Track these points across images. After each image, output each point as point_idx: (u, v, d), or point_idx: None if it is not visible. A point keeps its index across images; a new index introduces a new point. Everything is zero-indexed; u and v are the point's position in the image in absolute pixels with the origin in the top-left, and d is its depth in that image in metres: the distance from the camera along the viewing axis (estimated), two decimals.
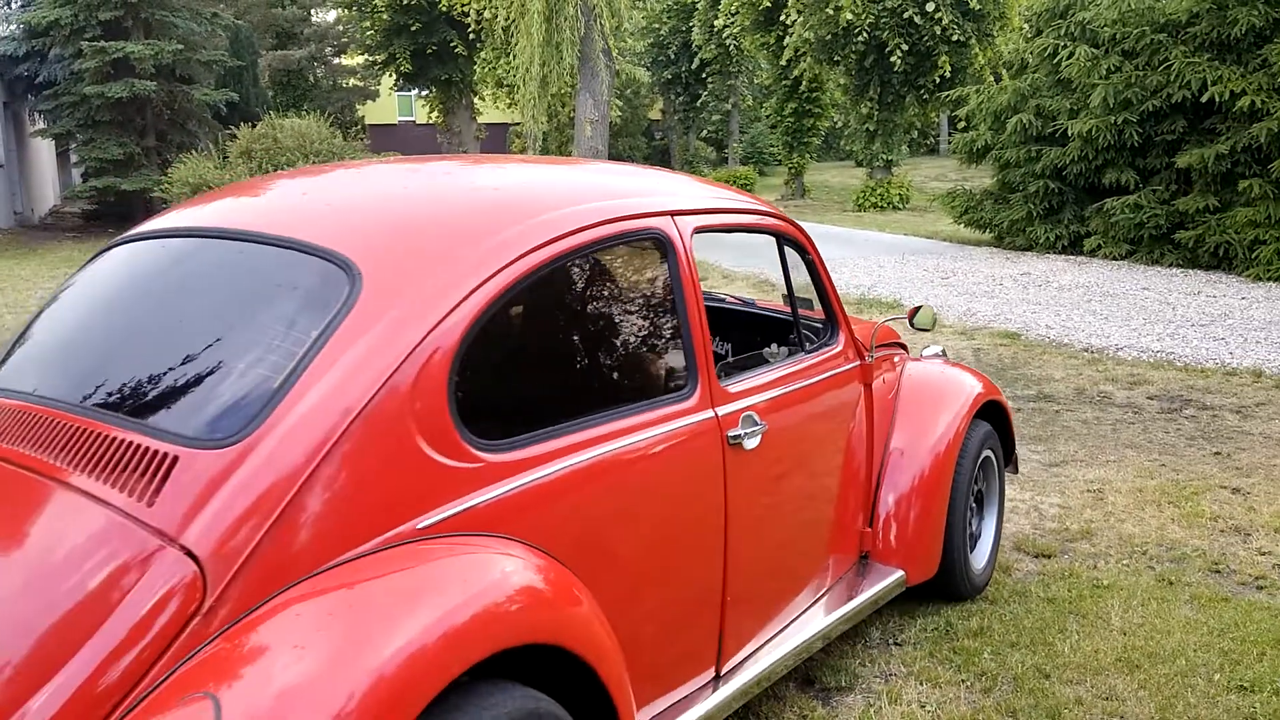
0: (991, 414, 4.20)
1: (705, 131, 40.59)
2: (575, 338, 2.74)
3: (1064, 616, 3.95)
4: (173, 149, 22.37)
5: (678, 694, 2.78)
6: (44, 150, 24.07)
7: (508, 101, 20.68)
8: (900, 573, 3.72)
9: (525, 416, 2.42)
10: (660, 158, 45.97)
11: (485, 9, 18.76)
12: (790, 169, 28.31)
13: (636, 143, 42.55)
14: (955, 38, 19.49)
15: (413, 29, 24.33)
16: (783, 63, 24.23)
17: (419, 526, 2.12)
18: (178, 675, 1.82)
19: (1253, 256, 12.27)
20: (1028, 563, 4.52)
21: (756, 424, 2.94)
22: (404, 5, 23.98)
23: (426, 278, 2.26)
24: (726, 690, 2.88)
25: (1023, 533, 4.84)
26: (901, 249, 15.81)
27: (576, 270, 2.65)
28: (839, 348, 3.56)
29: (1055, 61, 14.76)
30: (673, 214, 2.87)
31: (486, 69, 21.48)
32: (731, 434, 2.85)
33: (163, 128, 22.78)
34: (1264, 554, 4.56)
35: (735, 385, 2.97)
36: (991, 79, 19.59)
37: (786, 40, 21.84)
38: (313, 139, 18.77)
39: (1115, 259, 13.92)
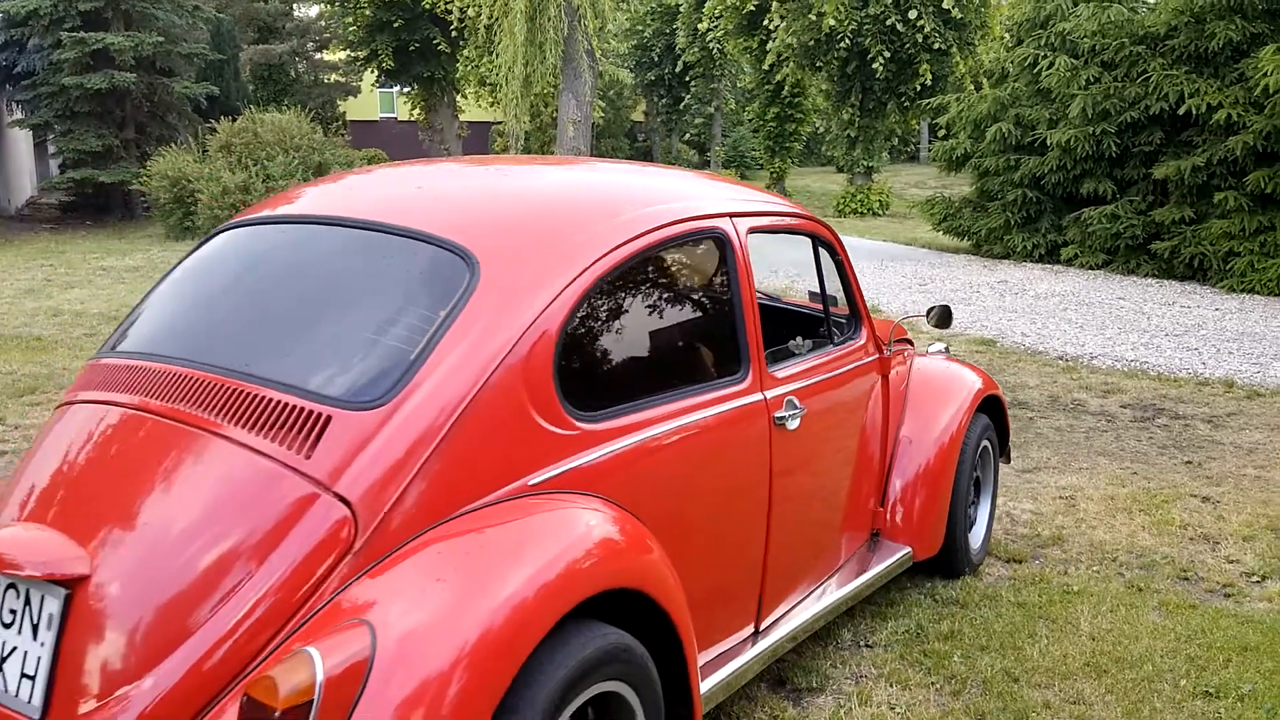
0: (989, 407, 4.51)
1: (688, 134, 40.63)
2: (652, 323, 3.04)
3: (1034, 621, 3.98)
4: (152, 142, 22.23)
5: (723, 645, 3.10)
6: (21, 141, 23.86)
7: (490, 100, 20.65)
8: (908, 549, 4.04)
9: (613, 391, 2.77)
10: (642, 159, 45.99)
11: (468, 7, 18.72)
12: (772, 173, 28.37)
13: (619, 144, 42.53)
14: (937, 46, 19.59)
15: (395, 25, 24.26)
16: (765, 67, 24.29)
17: (530, 483, 2.45)
18: (334, 603, 2.12)
19: (1227, 268, 12.39)
20: (999, 568, 4.55)
21: (797, 408, 3.29)
22: (387, 1, 23.91)
23: (534, 268, 2.58)
24: (762, 645, 3.20)
25: (995, 538, 4.87)
26: (880, 255, 15.88)
27: (654, 264, 2.98)
28: (862, 341, 3.89)
29: (1035, 71, 14.87)
30: (731, 216, 3.19)
31: (469, 67, 21.43)
32: (777, 415, 3.20)
33: (142, 120, 22.62)
34: (1232, 562, 4.61)
35: (780, 372, 3.29)
36: (972, 88, 19.70)
37: (769, 45, 21.89)
38: (293, 134, 18.69)
39: (1092, 268, 14.03)
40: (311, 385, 2.38)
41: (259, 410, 2.34)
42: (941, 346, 4.87)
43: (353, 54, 26.37)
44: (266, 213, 3.05)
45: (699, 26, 28.26)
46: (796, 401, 3.28)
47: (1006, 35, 17.80)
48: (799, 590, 3.52)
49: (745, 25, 24.25)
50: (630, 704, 2.44)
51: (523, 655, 2.11)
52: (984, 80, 18.05)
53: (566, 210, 2.92)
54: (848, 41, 19.72)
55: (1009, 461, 4.93)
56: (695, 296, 3.21)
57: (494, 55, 17.62)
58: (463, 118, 27.62)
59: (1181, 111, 12.89)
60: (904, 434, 4.19)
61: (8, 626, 2.25)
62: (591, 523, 2.43)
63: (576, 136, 17.34)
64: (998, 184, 15.26)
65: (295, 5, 37.22)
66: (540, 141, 20.27)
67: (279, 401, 2.34)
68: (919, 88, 20.27)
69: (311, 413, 2.30)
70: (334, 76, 37.94)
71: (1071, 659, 3.68)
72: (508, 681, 2.09)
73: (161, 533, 2.25)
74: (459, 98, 26.68)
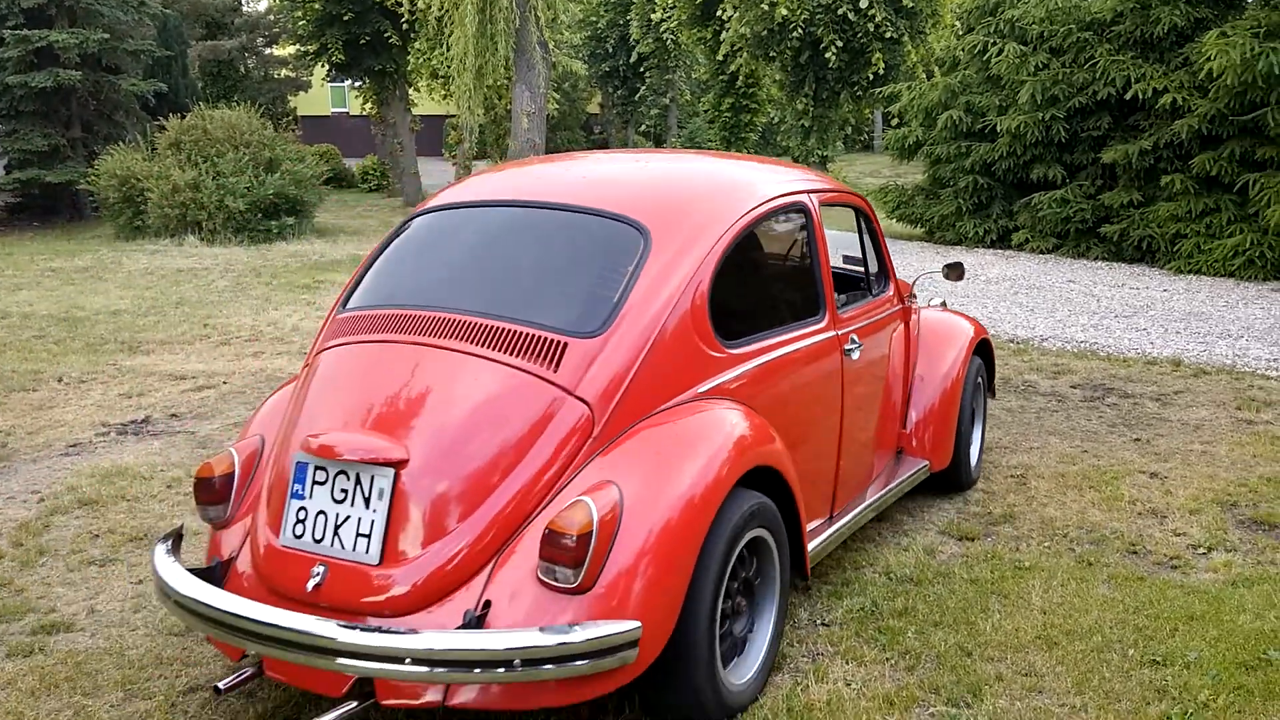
0: (980, 351, 5.44)
1: (644, 125, 40.60)
2: (764, 273, 4.11)
3: (986, 597, 4.04)
4: (99, 140, 21.90)
5: (811, 525, 3.85)
6: None
7: (443, 93, 20.49)
8: (926, 463, 4.93)
9: (744, 325, 3.66)
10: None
11: None
12: None
13: (575, 136, 42.43)
14: (888, 35, 19.69)
15: (345, 19, 24.01)
16: (719, 58, 24.31)
17: (698, 392, 3.38)
18: (584, 473, 3.05)
19: (1174, 250, 12.58)
20: (952, 545, 4.61)
21: (857, 343, 4.25)
22: None
23: (686, 234, 3.50)
24: (835, 528, 4.08)
25: (948, 517, 4.94)
26: (835, 243, 15.88)
27: (764, 229, 3.94)
28: (891, 293, 4.84)
29: (985, 59, 15.00)
30: (808, 192, 4.15)
31: (421, 60, 21.24)
32: (846, 348, 4.17)
33: (89, 118, 22.28)
34: (1179, 535, 4.70)
35: (844, 314, 4.23)
36: (923, 76, 19.83)
37: (723, 35, 21.90)
38: (243, 130, 18.47)
39: (1042, 252, 14.19)
40: (547, 321, 3.24)
41: (512, 340, 3.20)
42: (939, 300, 5.72)
43: (302, 48, 26.05)
44: (459, 199, 3.92)
45: (653, 17, 28.26)
46: (856, 338, 4.25)
47: (957, 23, 17.92)
48: (855, 490, 4.40)
49: (699, 16, 24.28)
50: (770, 547, 3.41)
51: (715, 506, 3.07)
52: (935, 69, 18.18)
53: (702, 189, 3.89)
54: (800, 31, 19.78)
55: (994, 396, 5.84)
56: (789, 253, 4.21)
57: (445, 47, 17.51)
58: (416, 111, 27.41)
59: (1128, 96, 13.07)
60: (918, 372, 5.09)
61: (339, 502, 3.04)
62: (743, 421, 3.37)
63: (531, 129, 17.29)
64: (949, 171, 15.39)
65: (244, 0, 36.82)
66: (495, 134, 20.18)
67: (526, 333, 3.20)
68: (871, 77, 20.37)
69: (552, 340, 3.19)
70: (284, 72, 37.55)
71: (1023, 632, 3.75)
72: (708, 523, 3.04)
73: (455, 428, 3.08)
74: (411, 91, 26.46)
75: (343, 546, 2.99)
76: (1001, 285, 11.69)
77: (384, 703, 2.90)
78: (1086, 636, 3.71)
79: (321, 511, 3.05)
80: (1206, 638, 3.68)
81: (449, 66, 17.56)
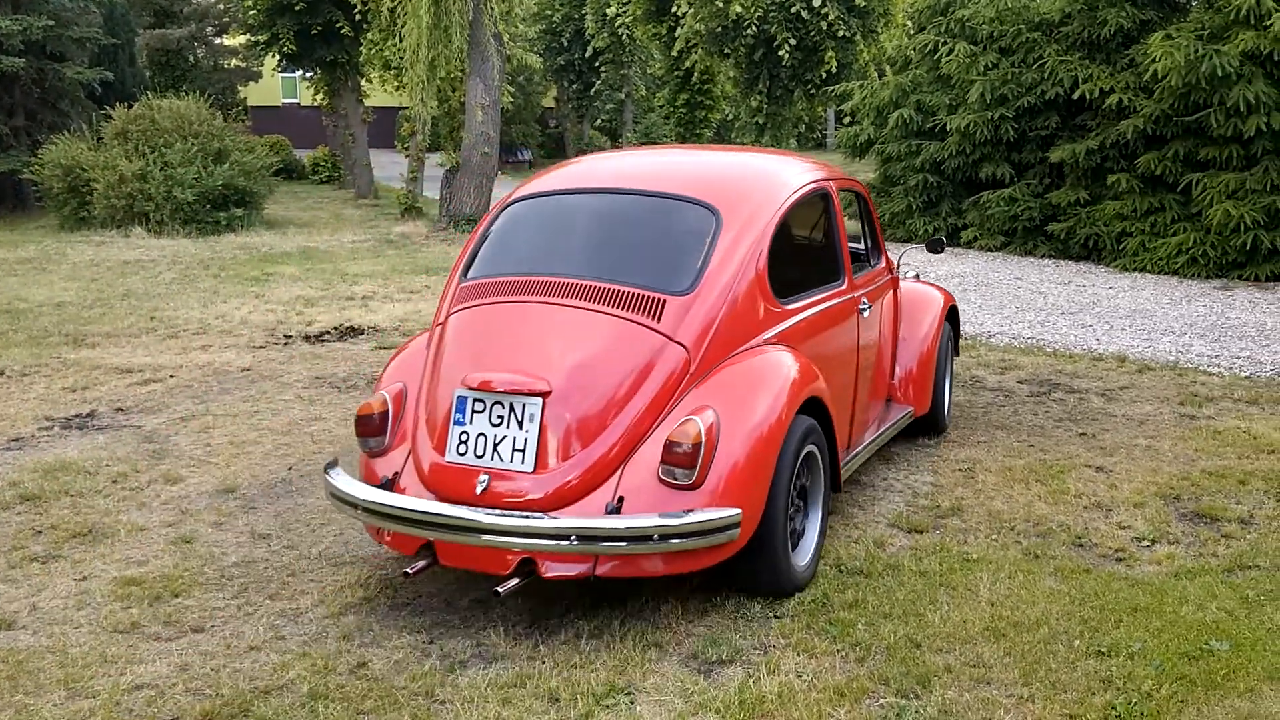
0: (950, 316, 6.45)
1: (599, 120, 40.55)
2: (800, 245, 4.99)
3: (935, 589, 4.09)
4: (43, 129, 21.51)
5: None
6: None
7: (396, 85, 20.32)
8: (910, 409, 5.84)
9: (790, 286, 4.53)
10: (555, 145, 45.75)
11: None
12: None
13: (530, 130, 42.24)
14: (841, 33, 19.84)
15: (296, 8, 23.75)
16: (675, 53, 24.36)
17: (763, 339, 4.27)
18: (684, 402, 3.90)
19: (1120, 248, 12.79)
20: (901, 538, 4.66)
21: (866, 304, 5.24)
22: None
23: (747, 214, 4.39)
24: (851, 455, 4.99)
25: (897, 509, 4.99)
26: None
27: (800, 209, 4.79)
28: (884, 265, 5.79)
29: (936, 58, 15.15)
30: (828, 179, 5.10)
31: (373, 51, 21.04)
32: (860, 307, 5.16)
33: (32, 107, 21.88)
34: (1124, 528, 4.78)
35: (856, 280, 5.18)
36: (875, 75, 19.99)
37: (678, 31, 21.96)
38: (192, 121, 18.23)
39: (991, 250, 14.37)
40: (648, 283, 4.10)
41: (623, 299, 4.05)
42: (914, 272, 6.60)
43: (253, 38, 25.76)
44: (550, 188, 4.78)
45: (608, 12, 28.22)
46: (866, 300, 5.24)
47: (909, 23, 18.10)
48: (862, 428, 5.28)
49: (654, 11, 24.29)
50: (818, 461, 4.30)
51: (786, 425, 3.97)
52: (887, 67, 18.35)
53: (754, 177, 4.85)
54: (755, 29, 19.88)
55: (958, 354, 6.96)
56: (818, 229, 5.13)
57: (398, 39, 17.37)
58: (368, 102, 27.19)
59: (1076, 96, 13.25)
60: (902, 333, 6.00)
61: (496, 426, 3.86)
62: (797, 362, 4.21)
63: (485, 121, 17.21)
64: (900, 169, 15.53)
65: None
66: (449, 126, 20.03)
67: (634, 293, 4.06)
68: (824, 75, 20.52)
69: (654, 298, 4.05)
70: (234, 61, 37.04)
71: (971, 624, 3.79)
72: (782, 438, 3.94)
73: (585, 367, 3.92)
74: (364, 82, 26.25)
75: (501, 459, 3.83)
76: (950, 282, 11.81)
77: (546, 575, 3.69)
78: (1033, 628, 3.76)
79: (481, 434, 3.88)
80: (1150, 629, 3.74)
81: (402, 58, 17.41)
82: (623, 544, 3.64)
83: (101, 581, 4.29)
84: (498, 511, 3.70)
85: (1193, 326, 9.32)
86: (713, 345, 4.02)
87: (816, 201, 4.97)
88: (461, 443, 3.89)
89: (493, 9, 16.81)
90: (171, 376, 7.77)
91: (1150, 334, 9.03)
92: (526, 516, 3.66)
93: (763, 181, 4.75)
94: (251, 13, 24.54)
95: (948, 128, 14.64)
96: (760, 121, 22.20)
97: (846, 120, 18.23)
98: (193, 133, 18.02)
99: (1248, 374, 7.65)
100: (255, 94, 42.15)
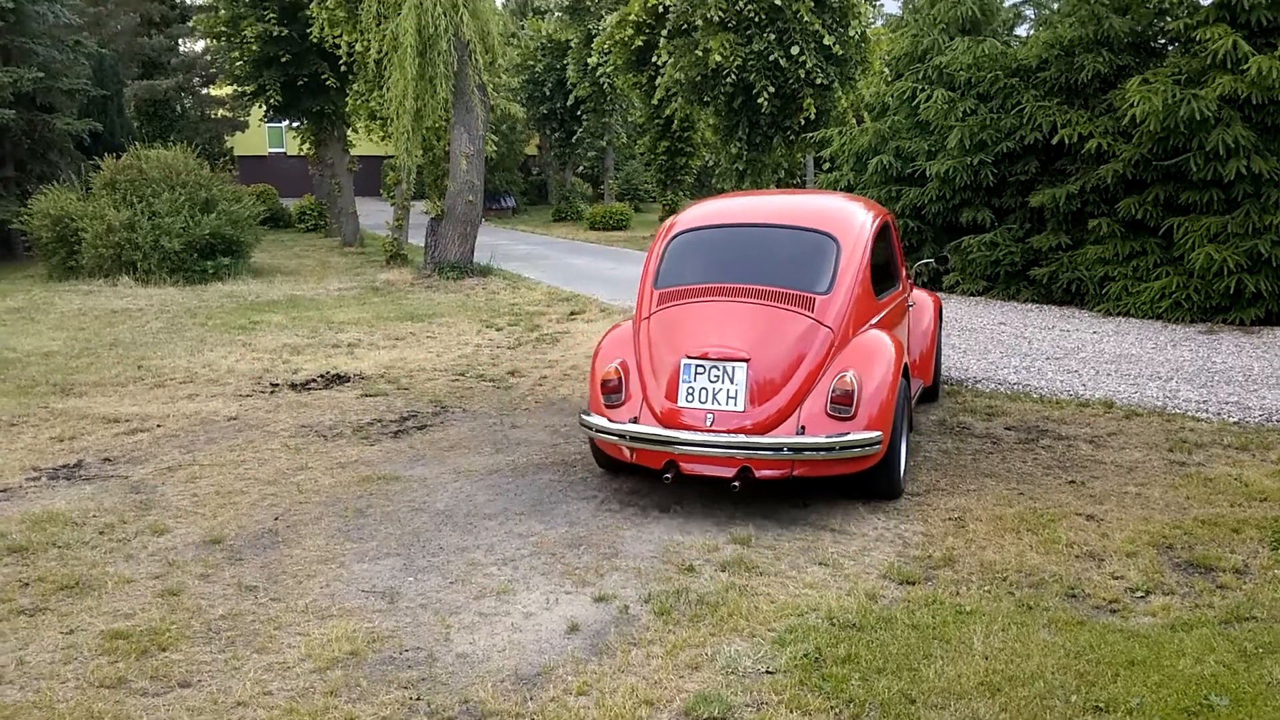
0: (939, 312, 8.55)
1: (581, 167, 40.79)
2: (880, 259, 6.65)
3: (928, 642, 4.06)
4: (33, 179, 21.54)
5: None
6: None
7: (381, 134, 20.39)
8: (920, 381, 7.58)
9: (879, 287, 6.41)
10: (538, 192, 45.94)
11: (357, 42, 18.54)
12: (665, 205, 28.62)
13: (513, 177, 42.45)
14: (819, 81, 20.01)
15: (283, 60, 23.90)
16: (655, 102, 24.53)
17: (871, 324, 6.13)
18: (832, 365, 5.67)
19: (1103, 292, 12.86)
20: (893, 589, 4.63)
21: (911, 302, 7.68)
22: (274, 37, 23.56)
23: (854, 239, 6.20)
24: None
25: (888, 560, 4.96)
26: None
27: (878, 234, 6.57)
28: (906, 275, 7.77)
29: (914, 104, 15.30)
30: (883, 212, 6.95)
31: (359, 101, 21.16)
32: (909, 303, 7.57)
33: (22, 157, 21.90)
34: (1117, 578, 4.76)
35: (902, 284, 7.38)
36: (854, 121, 20.16)
37: (658, 80, 22.13)
38: (179, 170, 18.26)
39: (973, 294, 14.44)
40: (801, 287, 5.91)
41: (786, 298, 5.85)
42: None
43: (240, 89, 25.89)
44: (708, 222, 6.63)
45: (589, 62, 28.48)
46: (910, 299, 7.63)
47: (886, 70, 18.27)
48: None
49: (634, 61, 24.49)
50: (909, 408, 6.34)
51: (899, 379, 5.79)
52: (865, 114, 18.49)
53: (851, 213, 6.61)
54: (734, 77, 20.04)
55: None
56: (886, 247, 6.97)
57: (384, 90, 17.45)
58: (354, 151, 27.30)
59: (1055, 141, 13.38)
60: (912, 326, 7.68)
61: (714, 382, 5.59)
62: (894, 341, 6.01)
63: (470, 170, 17.27)
64: None
65: (181, 40, 36.47)
66: (433, 175, 20.11)
67: (793, 293, 5.86)
68: (803, 122, 20.67)
69: (808, 296, 5.85)
70: (221, 112, 37.22)
71: (966, 678, 3.76)
72: (897, 390, 5.75)
73: (771, 341, 5.69)
74: (349, 132, 26.37)
75: (719, 403, 5.61)
76: None
77: (759, 476, 5.50)
78: (1029, 682, 3.73)
79: (704, 388, 5.66)
80: (1148, 683, 3.72)
81: (387, 108, 17.48)
82: (814, 453, 5.43)
83: (89, 635, 4.24)
84: (725, 436, 5.46)
85: (1179, 371, 9.35)
86: (846, 327, 5.85)
87: (885, 229, 6.89)
88: (689, 393, 5.68)
89: (477, 61, 16.92)
90: (158, 426, 7.72)
91: (1136, 379, 9.06)
92: (745, 438, 5.45)
93: (856, 215, 6.55)
94: (238, 64, 24.67)
95: (927, 173, 14.76)
96: (740, 168, 22.31)
97: (826, 166, 18.35)
98: (180, 182, 18.05)
99: (1236, 419, 7.67)
100: (242, 144, 42.29)
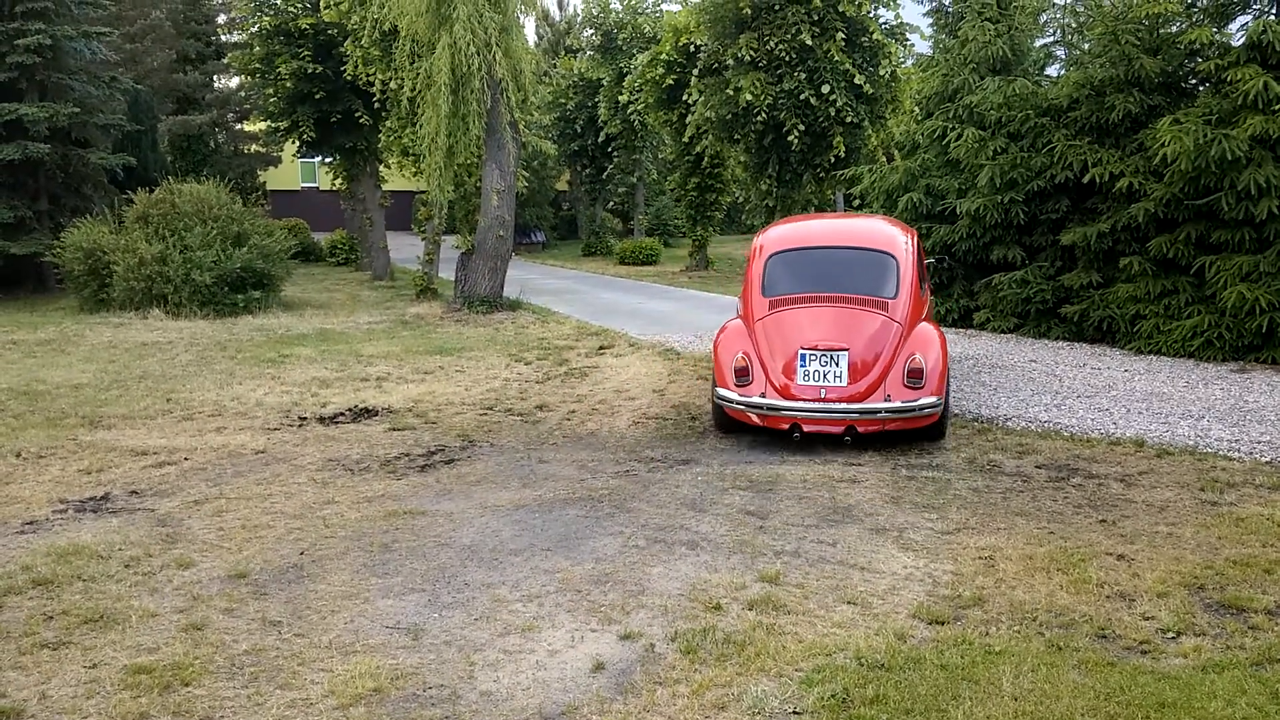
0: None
1: (611, 203, 40.97)
2: (920, 269, 8.79)
3: (957, 683, 4.01)
4: (66, 213, 21.85)
5: None
6: None
7: (413, 170, 20.58)
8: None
9: (921, 288, 8.68)
10: (568, 227, 46.20)
11: (391, 80, 18.78)
12: (694, 241, 28.70)
13: (544, 213, 42.71)
14: (849, 119, 20.08)
15: (317, 97, 24.21)
16: (685, 139, 24.68)
17: (923, 317, 8.49)
18: (903, 352, 7.96)
19: (1134, 330, 12.76)
20: (922, 629, 4.58)
21: (934, 302, 11.71)
22: (308, 74, 23.89)
23: (906, 255, 8.58)
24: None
25: (917, 599, 4.91)
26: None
27: (917, 248, 8.88)
28: (928, 287, 9.41)
29: (944, 143, 15.30)
30: (913, 232, 9.11)
31: (391, 138, 21.38)
32: (930, 299, 9.55)
33: (56, 191, 22.24)
34: (1148, 619, 4.69)
35: (931, 289, 10.13)
36: (884, 159, 20.19)
37: (689, 118, 22.27)
38: (212, 204, 18.48)
39: (1004, 332, 14.36)
40: (877, 294, 8.20)
41: (869, 303, 8.12)
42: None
43: (274, 125, 26.22)
44: (796, 245, 8.90)
45: (620, 99, 28.67)
46: (932, 301, 9.67)
47: (916, 109, 18.29)
48: None
49: (665, 99, 24.67)
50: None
51: (947, 357, 8.11)
52: (895, 152, 18.51)
53: (897, 233, 8.85)
54: (764, 115, 20.14)
55: None
56: (922, 260, 8.85)
57: (417, 126, 17.63)
58: (385, 187, 27.57)
59: (1085, 180, 13.34)
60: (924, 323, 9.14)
61: (824, 366, 7.80)
62: (940, 332, 8.24)
63: (500, 205, 17.40)
64: None
65: (216, 76, 37.04)
66: (464, 210, 20.27)
67: (873, 299, 8.15)
68: (833, 159, 20.72)
69: (883, 301, 8.16)
70: (254, 147, 37.69)
71: None
72: (947, 368, 8.08)
73: (861, 335, 7.94)
74: (381, 167, 26.64)
75: (828, 381, 7.73)
76: (964, 364, 11.80)
77: (861, 431, 7.70)
78: None
79: (816, 369, 7.77)
80: None
81: (420, 145, 17.66)
82: (900, 415, 7.67)
83: (112, 669, 4.25)
84: (836, 404, 7.66)
85: (1211, 410, 9.25)
86: (908, 321, 8.06)
87: (920, 245, 8.87)
88: (805, 375, 7.80)
89: (509, 99, 17.09)
90: (186, 459, 7.77)
91: (1168, 418, 8.97)
92: (850, 405, 7.65)
93: (899, 236, 8.78)
94: (272, 100, 25.00)
95: (958, 211, 14.74)
96: (770, 204, 22.37)
97: (856, 203, 18.36)
98: (212, 216, 18.26)
99: (1269, 459, 7.57)
100: (274, 178, 42.81)
